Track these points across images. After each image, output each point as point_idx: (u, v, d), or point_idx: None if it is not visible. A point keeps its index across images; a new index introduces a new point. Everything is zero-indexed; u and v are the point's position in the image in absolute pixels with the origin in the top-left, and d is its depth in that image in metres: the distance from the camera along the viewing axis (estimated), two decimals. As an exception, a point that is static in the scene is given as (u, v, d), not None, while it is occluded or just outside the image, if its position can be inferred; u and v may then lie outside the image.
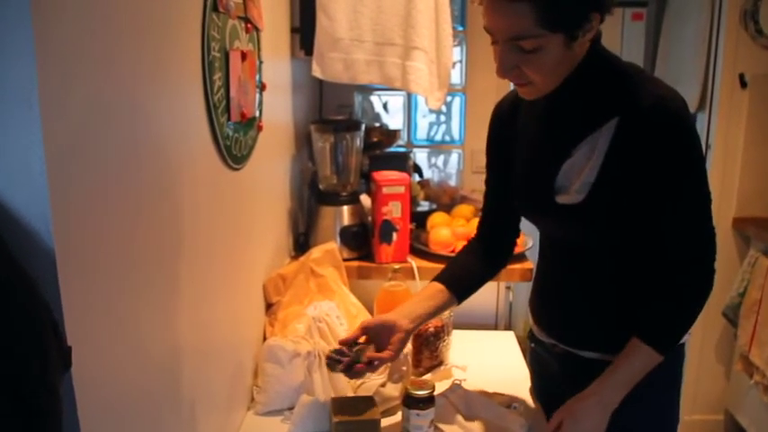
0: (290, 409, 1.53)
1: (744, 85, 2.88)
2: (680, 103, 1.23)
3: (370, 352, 1.38)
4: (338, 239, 2.13)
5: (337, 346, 1.39)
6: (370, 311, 1.90)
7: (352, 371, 1.35)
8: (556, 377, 1.51)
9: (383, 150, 2.60)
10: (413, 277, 2.03)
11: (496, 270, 1.61)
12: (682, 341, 1.40)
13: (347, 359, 1.34)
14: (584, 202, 1.29)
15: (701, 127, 3.05)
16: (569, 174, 1.31)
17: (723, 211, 3.00)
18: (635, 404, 1.34)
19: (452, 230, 2.19)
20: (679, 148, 1.23)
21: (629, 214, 1.29)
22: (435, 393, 1.44)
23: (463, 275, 1.55)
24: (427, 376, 1.70)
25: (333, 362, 1.36)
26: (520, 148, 1.45)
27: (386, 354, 1.37)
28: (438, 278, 1.53)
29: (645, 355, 1.29)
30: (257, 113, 1.58)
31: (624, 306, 1.38)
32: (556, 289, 1.50)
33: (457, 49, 3.02)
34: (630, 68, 1.31)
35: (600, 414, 1.29)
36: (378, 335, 1.40)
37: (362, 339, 1.41)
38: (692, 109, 3.01)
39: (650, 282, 1.34)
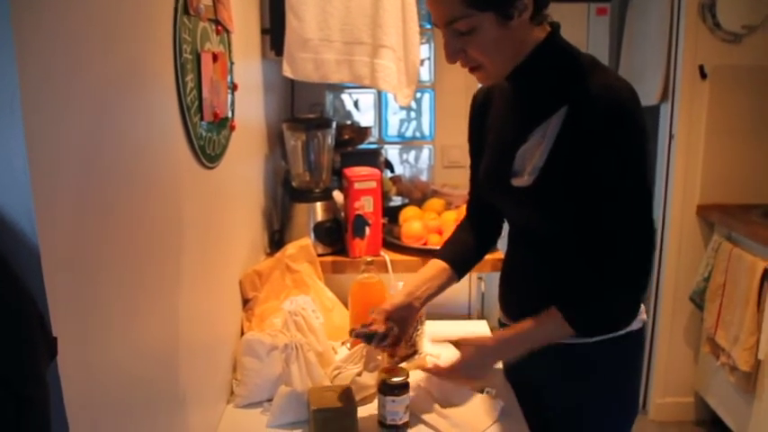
0: (269, 400, 1.56)
1: (704, 76, 2.96)
2: (626, 94, 1.26)
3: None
4: (312, 235, 2.17)
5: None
6: (345, 305, 1.94)
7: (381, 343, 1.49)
8: (521, 360, 1.56)
9: (355, 147, 2.64)
10: (386, 270, 2.07)
11: (489, 247, 1.70)
12: (633, 328, 1.44)
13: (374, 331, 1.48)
14: (533, 185, 1.34)
15: (664, 117, 3.13)
16: (524, 158, 1.36)
17: (687, 199, 3.08)
18: (591, 390, 1.42)
19: (424, 224, 2.24)
20: (618, 138, 1.25)
21: (574, 200, 1.33)
22: (410, 381, 1.49)
23: (462, 252, 1.65)
24: (402, 365, 1.75)
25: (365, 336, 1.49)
26: (489, 134, 1.51)
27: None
28: (439, 255, 1.63)
29: (559, 327, 1.35)
30: (230, 113, 1.62)
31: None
32: (516, 274, 1.57)
33: (425, 47, 3.08)
34: (585, 59, 1.35)
35: (494, 361, 1.45)
36: (399, 319, 1.53)
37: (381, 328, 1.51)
38: (655, 100, 3.10)
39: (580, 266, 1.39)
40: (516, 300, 1.57)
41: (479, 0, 1.22)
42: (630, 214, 1.31)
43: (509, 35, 1.28)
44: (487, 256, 2.10)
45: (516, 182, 1.37)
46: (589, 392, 1.46)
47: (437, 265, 1.61)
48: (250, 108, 1.98)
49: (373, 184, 2.11)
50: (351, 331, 1.52)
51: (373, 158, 2.52)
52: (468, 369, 1.43)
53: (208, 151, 1.42)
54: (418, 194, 2.61)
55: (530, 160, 1.35)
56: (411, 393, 1.49)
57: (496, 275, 1.69)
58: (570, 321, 1.34)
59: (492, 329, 2.07)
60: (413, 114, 3.34)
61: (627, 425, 1.53)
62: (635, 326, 1.45)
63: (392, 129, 3.35)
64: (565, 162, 1.30)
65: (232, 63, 1.64)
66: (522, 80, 1.37)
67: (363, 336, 1.50)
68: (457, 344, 1.46)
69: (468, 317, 2.28)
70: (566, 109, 1.30)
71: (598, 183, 1.28)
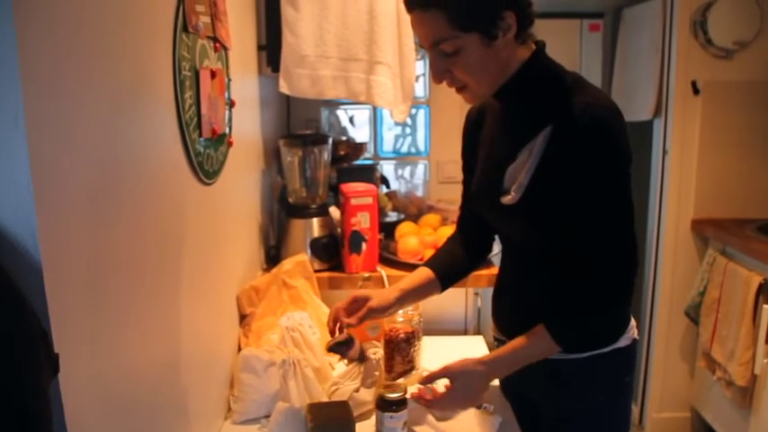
0: (267, 417, 1.56)
1: (696, 91, 2.98)
2: (605, 112, 1.27)
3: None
4: (309, 251, 2.17)
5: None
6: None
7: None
8: (514, 374, 1.57)
9: (350, 163, 2.65)
10: (383, 286, 2.07)
11: (478, 263, 1.69)
12: (621, 345, 1.45)
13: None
14: (519, 203, 1.35)
15: (657, 133, 3.15)
16: (512, 176, 1.37)
17: (682, 214, 3.09)
18: (582, 405, 1.45)
19: (420, 239, 2.24)
20: (598, 156, 1.27)
21: (558, 218, 1.33)
22: (408, 397, 1.49)
23: (449, 263, 1.64)
24: (399, 381, 1.74)
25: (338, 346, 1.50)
26: (480, 150, 1.53)
27: (351, 319, 1.51)
28: (427, 264, 1.63)
29: (545, 344, 1.35)
30: (227, 130, 1.62)
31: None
32: (507, 290, 1.57)
33: (420, 63, 3.08)
34: (570, 77, 1.36)
35: (485, 385, 1.39)
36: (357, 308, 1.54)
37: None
38: (648, 115, 3.12)
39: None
40: (508, 315, 1.58)
41: (464, 21, 1.25)
42: (611, 231, 1.31)
43: (494, 55, 1.30)
44: (483, 272, 2.12)
45: (504, 200, 1.38)
46: (580, 408, 1.48)
47: (422, 272, 1.61)
48: (247, 124, 1.98)
49: (370, 201, 2.11)
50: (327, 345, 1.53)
51: (369, 174, 2.52)
52: (459, 398, 1.40)
53: (206, 167, 1.43)
54: (414, 210, 2.61)
55: (516, 178, 1.36)
56: (409, 409, 1.49)
57: (492, 290, 1.70)
58: (556, 338, 1.34)
59: (488, 345, 2.07)
60: (408, 130, 3.35)
61: None
62: (622, 343, 1.45)
63: (387, 144, 3.35)
64: (548, 180, 1.32)
65: (229, 79, 1.65)
66: (508, 99, 1.39)
67: (336, 348, 1.51)
68: (431, 377, 1.43)
69: (465, 332, 2.28)
70: (550, 128, 1.31)
71: (579, 201, 1.30)
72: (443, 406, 1.46)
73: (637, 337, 1.50)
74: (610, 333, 1.44)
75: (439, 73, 1.34)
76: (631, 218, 1.32)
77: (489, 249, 1.70)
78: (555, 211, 1.33)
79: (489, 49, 1.28)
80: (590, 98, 1.29)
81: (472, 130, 1.58)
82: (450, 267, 1.64)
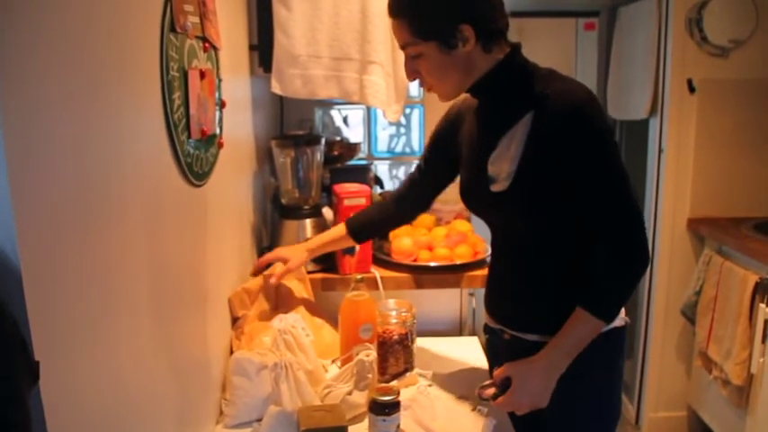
0: (259, 420, 1.54)
1: (692, 90, 2.97)
2: (582, 96, 1.35)
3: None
4: (302, 252, 2.15)
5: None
6: (335, 322, 1.92)
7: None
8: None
9: (344, 163, 2.63)
10: (376, 287, 2.06)
11: (408, 219, 1.99)
12: (615, 325, 1.48)
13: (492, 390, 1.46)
14: (509, 189, 1.41)
15: (653, 131, 3.14)
16: (496, 165, 1.44)
17: (677, 213, 3.08)
18: (579, 395, 1.47)
19: (414, 240, 2.23)
20: (582, 136, 1.34)
21: (550, 199, 1.39)
22: (401, 399, 1.47)
23: (367, 218, 1.87)
24: (393, 383, 1.73)
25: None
26: (462, 149, 1.60)
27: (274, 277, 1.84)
28: (345, 220, 1.88)
29: (588, 322, 1.39)
30: (218, 130, 1.61)
31: (562, 290, 1.47)
32: (501, 277, 1.61)
33: (414, 63, 3.07)
34: (543, 71, 1.44)
35: (547, 378, 1.40)
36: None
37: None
38: (644, 114, 3.11)
39: (585, 263, 1.44)
40: (498, 301, 1.63)
41: (423, 31, 1.38)
42: (617, 197, 1.37)
43: (453, 61, 1.40)
44: (477, 272, 2.11)
45: (494, 188, 1.44)
46: (577, 397, 1.48)
47: (335, 230, 1.89)
48: (238, 125, 1.97)
49: (363, 201, 2.10)
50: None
51: (363, 174, 2.50)
52: (525, 393, 1.40)
53: (195, 169, 1.41)
54: (408, 210, 2.59)
55: (503, 166, 1.42)
56: (402, 412, 1.48)
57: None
58: (597, 314, 1.38)
59: (482, 345, 2.06)
60: (402, 130, 3.35)
61: (612, 428, 1.57)
62: (618, 323, 1.49)
63: (381, 144, 3.35)
64: (536, 164, 1.38)
65: (220, 80, 1.63)
66: (483, 95, 1.49)
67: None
68: (484, 389, 1.46)
69: (460, 333, 2.27)
70: (530, 115, 1.38)
71: (573, 178, 1.36)
72: (509, 407, 1.45)
73: (628, 321, 1.54)
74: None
75: (410, 73, 1.47)
76: (629, 182, 1.38)
77: (424, 208, 1.89)
78: (544, 194, 1.40)
79: (449, 57, 1.39)
80: (565, 85, 1.38)
81: (451, 122, 1.68)
82: (367, 222, 1.86)
